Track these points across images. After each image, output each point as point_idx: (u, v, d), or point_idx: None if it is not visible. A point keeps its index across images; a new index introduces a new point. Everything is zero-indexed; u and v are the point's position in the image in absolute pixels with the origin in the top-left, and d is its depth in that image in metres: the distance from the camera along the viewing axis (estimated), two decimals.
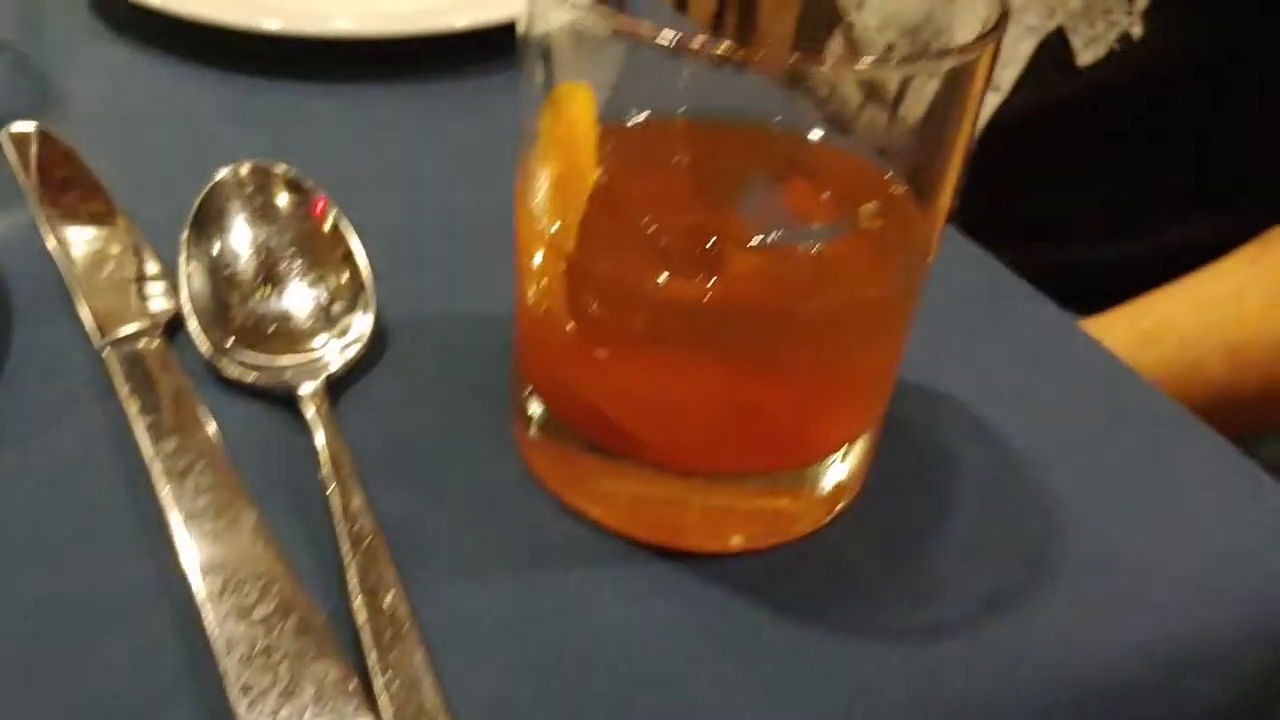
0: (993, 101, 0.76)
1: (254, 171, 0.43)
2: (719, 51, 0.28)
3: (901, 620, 0.35)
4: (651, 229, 0.33)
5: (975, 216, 0.80)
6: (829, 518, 0.37)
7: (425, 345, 0.42)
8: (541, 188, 0.34)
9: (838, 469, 0.37)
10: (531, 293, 0.36)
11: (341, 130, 0.57)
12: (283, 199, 0.43)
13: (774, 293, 0.34)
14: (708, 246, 0.33)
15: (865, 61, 0.28)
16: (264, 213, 0.42)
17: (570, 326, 0.34)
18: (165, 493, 0.34)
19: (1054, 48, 0.74)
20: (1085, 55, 0.73)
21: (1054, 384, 0.45)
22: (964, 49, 0.29)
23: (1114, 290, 0.73)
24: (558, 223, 0.33)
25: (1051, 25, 0.75)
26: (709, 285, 0.33)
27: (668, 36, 0.28)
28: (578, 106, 0.33)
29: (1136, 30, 0.71)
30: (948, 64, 0.29)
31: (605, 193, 0.33)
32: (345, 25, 0.60)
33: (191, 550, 0.32)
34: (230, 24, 0.59)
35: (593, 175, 0.33)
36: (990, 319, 0.48)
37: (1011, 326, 0.48)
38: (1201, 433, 0.43)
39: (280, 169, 0.44)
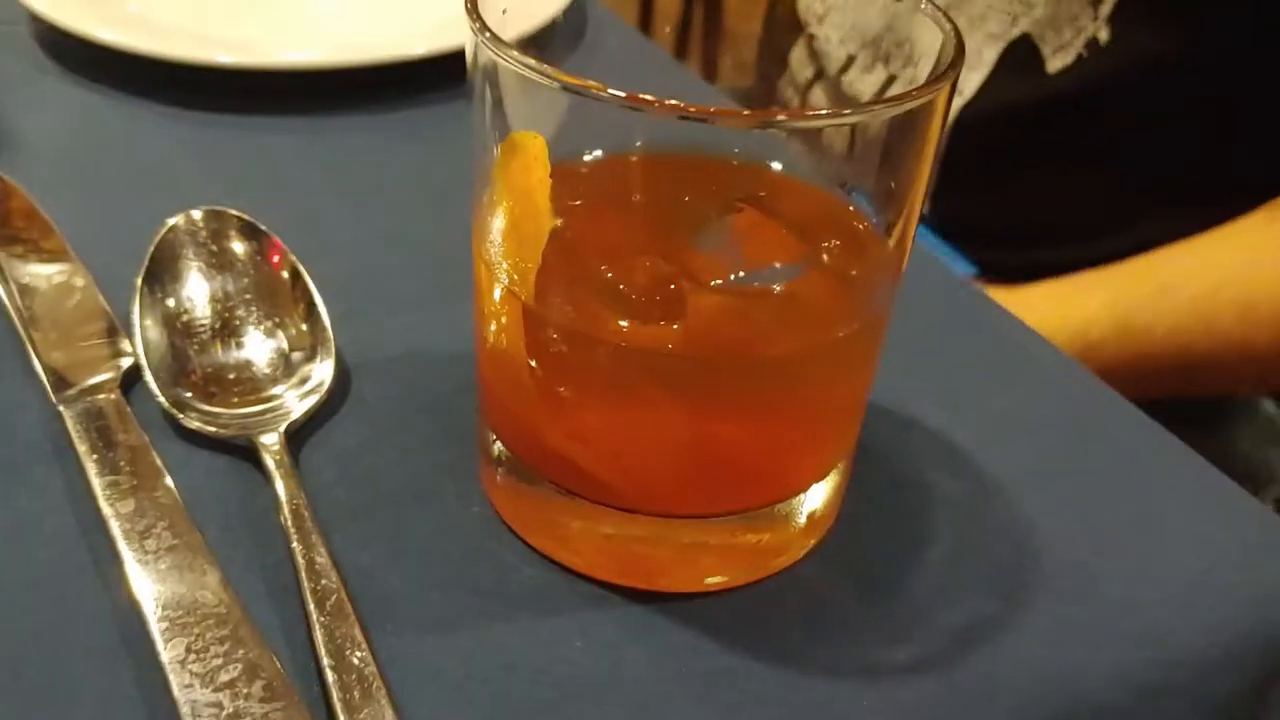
0: (955, 105, 0.76)
1: (208, 216, 0.43)
2: (669, 107, 0.27)
3: (878, 658, 0.35)
4: (610, 275, 0.33)
5: (944, 216, 0.80)
6: (805, 552, 0.37)
7: (388, 388, 0.42)
8: (497, 235, 0.34)
9: (814, 502, 0.36)
10: (490, 336, 0.35)
11: (299, 164, 0.56)
12: (238, 244, 0.42)
13: (739, 335, 0.33)
14: (669, 291, 0.32)
15: (819, 112, 0.27)
16: (219, 259, 0.42)
17: (530, 371, 0.34)
18: (126, 555, 0.33)
19: (1021, 54, 0.75)
20: (1055, 62, 0.73)
21: (1025, 402, 0.45)
22: (918, 91, 0.29)
23: None
24: (515, 274, 0.33)
25: (1016, 32, 0.75)
26: (672, 330, 0.32)
27: (617, 93, 0.27)
28: (531, 156, 0.33)
29: (1103, 35, 0.71)
30: (902, 109, 0.29)
31: (562, 240, 0.32)
32: (300, 57, 0.60)
33: (154, 615, 0.31)
34: (183, 59, 0.58)
35: (548, 224, 0.32)
36: (959, 338, 0.48)
37: (981, 345, 0.48)
38: (1175, 448, 0.43)
39: (234, 212, 0.43)
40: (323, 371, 0.40)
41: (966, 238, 0.77)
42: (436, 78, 0.60)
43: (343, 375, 0.41)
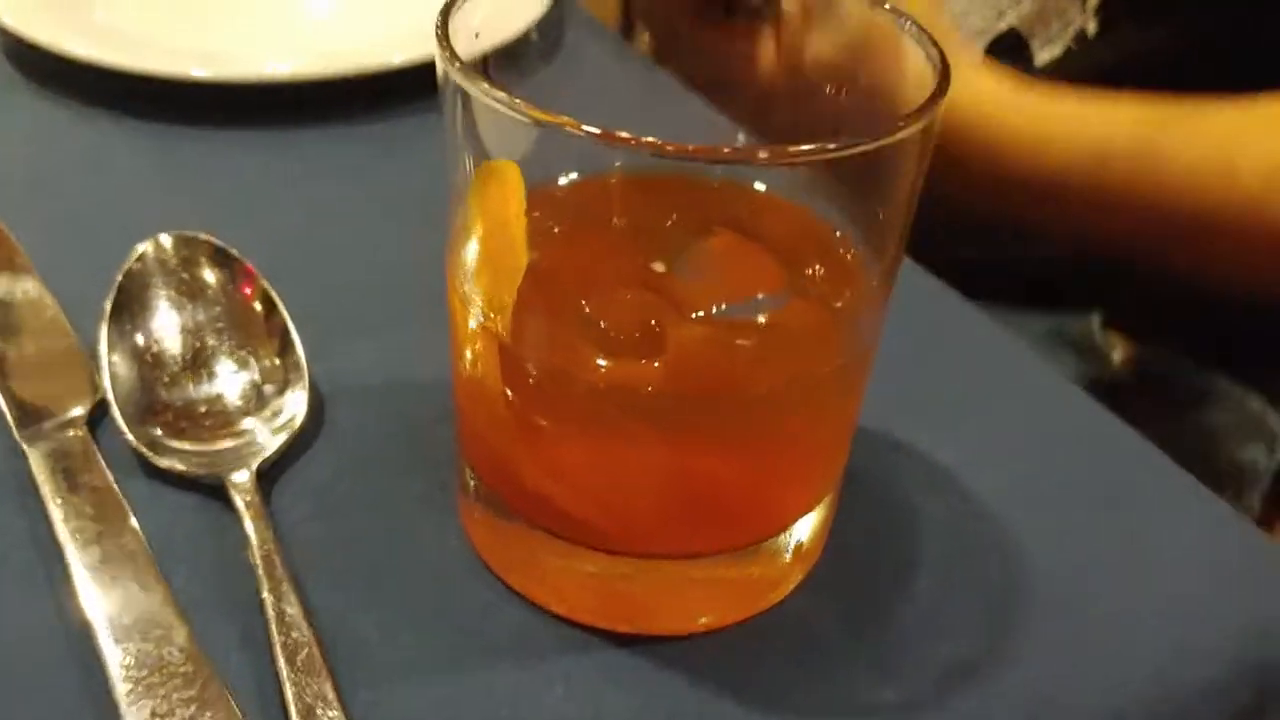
0: None
1: (177, 242, 0.41)
2: (646, 144, 0.26)
3: (868, 697, 0.34)
4: (589, 310, 0.32)
5: (930, 212, 0.79)
6: (794, 586, 0.36)
7: (364, 417, 0.40)
8: (471, 266, 0.32)
9: (802, 535, 0.36)
10: (465, 369, 0.34)
11: (273, 179, 0.55)
12: (208, 271, 0.41)
13: (722, 371, 0.32)
14: (649, 327, 0.31)
15: (800, 149, 0.26)
16: (189, 288, 0.41)
17: (506, 407, 0.33)
18: (91, 612, 0.32)
19: (1008, 48, 0.73)
20: (1043, 55, 0.72)
21: (1016, 420, 0.44)
22: (904, 120, 0.28)
23: (1071, 286, 0.72)
24: (491, 310, 0.32)
25: (1002, 26, 0.74)
26: (653, 368, 0.31)
27: (591, 129, 0.26)
28: (508, 186, 0.32)
29: (1091, 27, 0.70)
30: (885, 142, 0.28)
31: (538, 272, 0.31)
32: (274, 69, 0.58)
33: (119, 677, 0.30)
34: (154, 72, 0.57)
35: (524, 259, 0.31)
36: (947, 354, 0.47)
37: (969, 361, 0.47)
38: (1168, 469, 0.42)
39: (205, 238, 0.42)
40: (296, 403, 0.39)
41: (952, 233, 0.75)
42: (415, 87, 0.59)
43: (317, 405, 0.40)
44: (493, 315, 0.32)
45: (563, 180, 0.36)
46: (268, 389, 0.39)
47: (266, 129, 0.58)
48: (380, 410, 0.41)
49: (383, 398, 0.41)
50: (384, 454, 0.39)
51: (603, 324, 0.31)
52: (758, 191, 0.37)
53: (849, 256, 0.35)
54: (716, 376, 0.32)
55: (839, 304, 0.34)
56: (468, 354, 0.34)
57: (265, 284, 0.41)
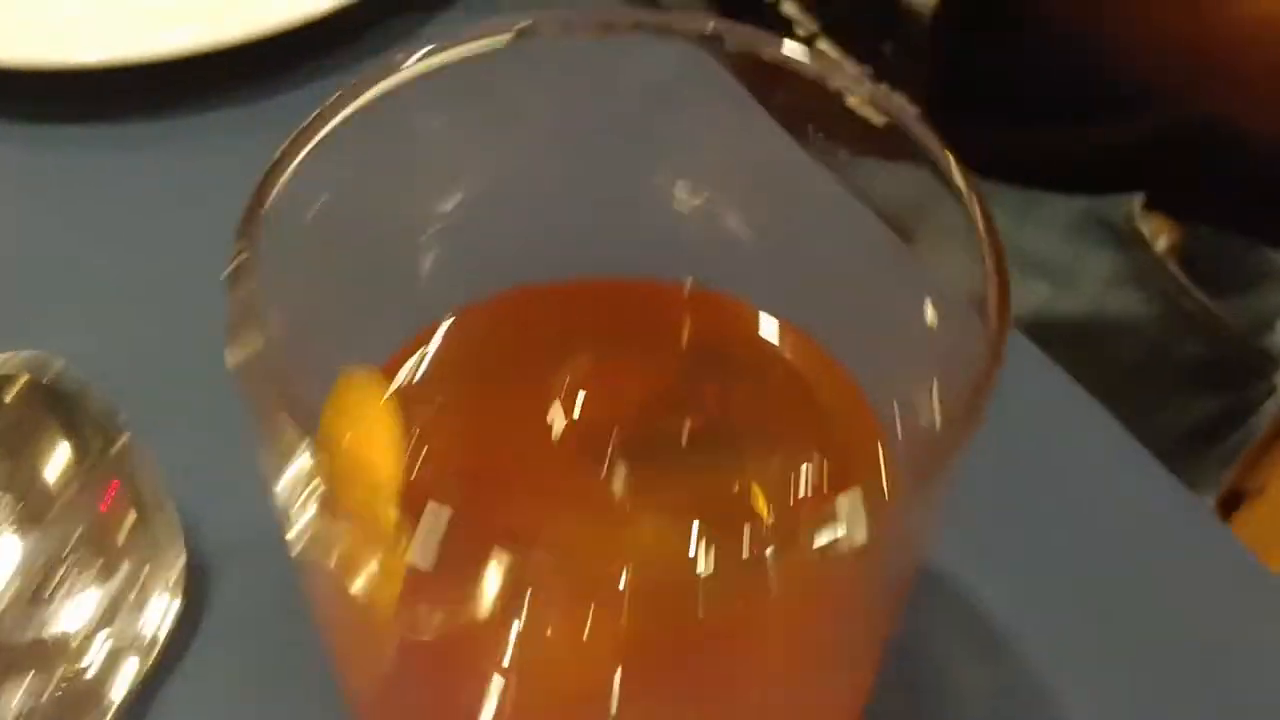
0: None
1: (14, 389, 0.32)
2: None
3: None
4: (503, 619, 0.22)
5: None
6: None
7: (251, 615, 0.32)
8: (331, 548, 0.23)
9: None
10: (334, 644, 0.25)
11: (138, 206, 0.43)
12: (41, 430, 0.32)
13: (700, 668, 0.23)
14: (592, 636, 0.22)
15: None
16: (16, 460, 0.31)
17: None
18: None
19: None
20: None
21: (1066, 550, 0.35)
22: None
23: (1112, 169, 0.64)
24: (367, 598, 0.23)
25: None
26: (601, 675, 0.22)
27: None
28: (371, 419, 0.22)
29: None
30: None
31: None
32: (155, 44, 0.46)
33: None
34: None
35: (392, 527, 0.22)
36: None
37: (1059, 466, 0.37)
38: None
39: (35, 359, 0.32)
40: (160, 613, 0.30)
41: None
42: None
43: (194, 612, 0.31)
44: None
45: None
46: (130, 600, 0.30)
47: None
48: (272, 599, 0.32)
49: (277, 579, 0.32)
50: (275, 665, 0.31)
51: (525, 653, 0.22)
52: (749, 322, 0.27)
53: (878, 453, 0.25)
54: (691, 678, 0.23)
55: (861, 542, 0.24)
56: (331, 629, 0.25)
57: (118, 431, 0.32)
